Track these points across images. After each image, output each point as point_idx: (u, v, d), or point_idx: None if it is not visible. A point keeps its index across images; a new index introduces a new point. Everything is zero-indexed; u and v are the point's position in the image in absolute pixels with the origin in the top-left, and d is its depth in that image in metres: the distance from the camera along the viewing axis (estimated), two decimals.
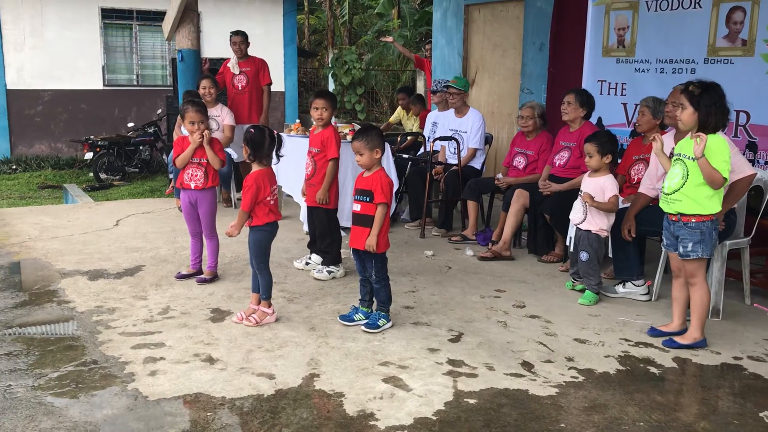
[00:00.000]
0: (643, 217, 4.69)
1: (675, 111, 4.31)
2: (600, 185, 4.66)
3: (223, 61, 9.32)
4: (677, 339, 3.96)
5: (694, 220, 3.83)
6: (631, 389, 3.41)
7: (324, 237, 5.16)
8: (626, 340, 4.06)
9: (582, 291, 4.77)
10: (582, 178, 4.90)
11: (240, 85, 7.77)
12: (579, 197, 4.77)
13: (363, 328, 4.06)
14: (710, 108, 3.72)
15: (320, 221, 5.17)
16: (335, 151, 5.03)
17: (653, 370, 3.66)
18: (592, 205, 4.64)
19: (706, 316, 3.98)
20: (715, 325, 4.27)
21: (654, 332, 4.11)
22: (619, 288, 4.84)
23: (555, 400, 3.27)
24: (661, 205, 3.99)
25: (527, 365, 3.66)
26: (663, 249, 4.38)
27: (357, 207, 4.11)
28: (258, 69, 7.82)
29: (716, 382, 3.55)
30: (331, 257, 5.13)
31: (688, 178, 3.79)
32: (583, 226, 4.71)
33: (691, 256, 3.86)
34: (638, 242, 4.82)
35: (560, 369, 3.62)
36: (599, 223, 4.67)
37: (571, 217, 4.81)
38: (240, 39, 7.76)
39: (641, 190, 4.79)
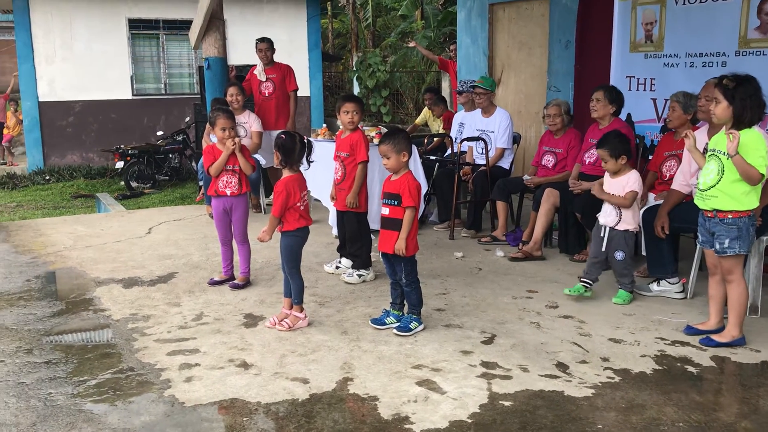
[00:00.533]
0: (676, 214, 4.62)
1: (709, 105, 4.24)
2: (623, 184, 4.60)
3: (249, 67, 9.38)
4: (715, 337, 3.89)
5: (730, 216, 3.76)
6: (668, 389, 3.36)
7: (354, 240, 5.17)
8: (662, 339, 4.00)
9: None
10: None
11: (267, 92, 7.81)
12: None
13: (395, 331, 4.06)
14: (745, 101, 3.66)
15: (350, 225, 5.18)
16: (365, 154, 5.05)
17: (691, 369, 3.60)
18: (603, 197, 4.62)
19: (744, 313, 3.91)
20: (754, 323, 4.19)
21: (691, 330, 4.05)
22: (654, 286, 4.77)
23: (591, 401, 3.24)
24: (696, 201, 3.92)
25: (562, 366, 3.62)
26: (698, 246, 4.31)
27: (385, 211, 4.11)
28: (284, 75, 7.87)
29: (756, 381, 3.49)
30: (361, 261, 5.14)
31: (723, 174, 3.73)
32: (620, 227, 4.61)
33: (728, 253, 3.79)
34: (672, 239, 4.75)
35: (596, 369, 3.58)
36: (633, 220, 4.61)
37: (602, 219, 4.71)
38: (266, 46, 7.81)
39: (674, 186, 4.72)
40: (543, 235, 5.73)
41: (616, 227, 4.61)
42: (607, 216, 4.67)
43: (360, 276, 5.08)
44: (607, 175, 4.76)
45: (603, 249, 4.67)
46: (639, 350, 3.83)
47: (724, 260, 3.84)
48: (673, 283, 4.72)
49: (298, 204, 4.18)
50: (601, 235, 4.68)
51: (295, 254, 4.22)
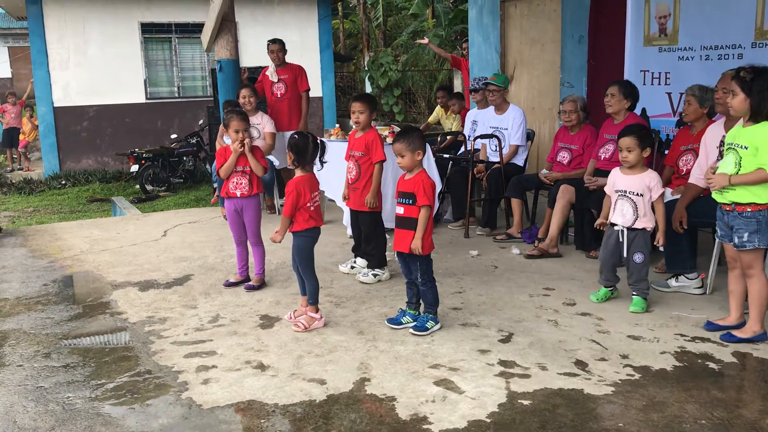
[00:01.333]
0: (694, 209, 4.57)
1: (725, 98, 4.19)
2: (646, 184, 4.35)
3: (261, 69, 9.38)
4: (736, 333, 3.84)
5: (749, 210, 3.71)
6: (689, 386, 3.32)
7: (369, 240, 5.16)
8: (682, 335, 3.95)
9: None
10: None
11: (279, 93, 7.81)
12: (621, 197, 4.41)
13: (411, 330, 4.04)
14: (763, 93, 3.61)
15: (365, 224, 5.17)
16: (381, 154, 5.04)
17: (712, 365, 3.56)
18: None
19: (766, 308, 3.85)
20: None
21: (711, 326, 4.00)
22: (672, 282, 4.72)
23: (611, 399, 3.20)
24: (714, 195, 3.87)
25: (581, 364, 3.59)
26: (716, 240, 4.25)
27: (400, 210, 4.09)
28: (296, 76, 7.86)
29: None
30: (376, 260, 5.13)
31: (741, 167, 3.67)
32: (638, 225, 4.37)
33: (748, 247, 3.74)
34: (690, 234, 4.69)
35: (615, 367, 3.54)
36: (651, 217, 4.39)
37: (617, 219, 4.44)
38: (277, 47, 7.80)
39: (691, 180, 4.67)
40: (559, 232, 5.69)
41: (634, 226, 4.39)
42: (623, 215, 4.40)
43: (375, 275, 5.06)
44: (618, 170, 4.50)
45: (625, 254, 4.39)
46: (659, 347, 3.79)
47: (744, 254, 3.79)
48: (691, 279, 4.67)
49: (309, 204, 4.17)
50: (620, 239, 4.41)
51: (306, 254, 4.21)
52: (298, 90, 7.87)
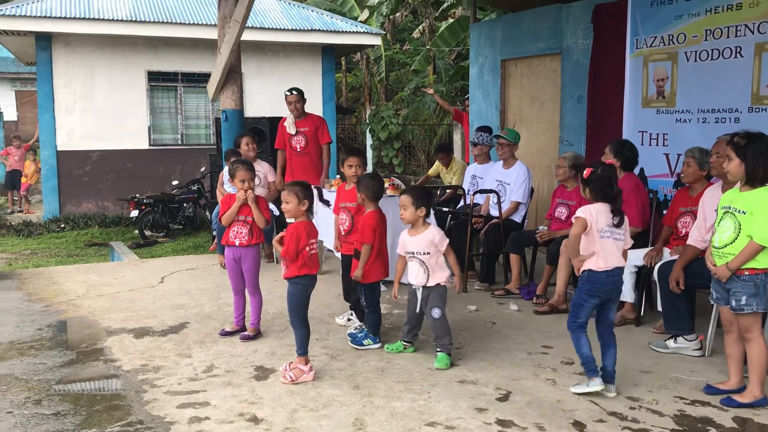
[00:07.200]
0: (692, 270, 4.58)
1: (720, 162, 4.24)
2: (430, 240, 4.38)
3: (262, 120, 9.49)
4: (736, 397, 3.80)
5: (747, 273, 3.71)
6: None
7: (350, 292, 5.14)
8: (681, 398, 3.91)
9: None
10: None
11: (299, 146, 7.39)
12: (411, 257, 4.44)
13: (349, 340, 4.75)
14: (757, 159, 3.66)
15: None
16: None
17: (712, 430, 3.51)
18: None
19: (766, 372, 3.82)
20: None
21: (711, 390, 3.96)
22: (671, 343, 4.70)
23: None
24: (714, 256, 3.88)
25: (579, 425, 3.54)
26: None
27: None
28: (317, 127, 7.41)
29: None
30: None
31: (740, 231, 3.70)
32: (430, 282, 4.40)
33: (746, 310, 3.74)
34: (688, 295, 4.68)
35: (614, 429, 3.50)
36: (443, 273, 4.43)
37: (411, 280, 4.46)
38: (295, 98, 7.32)
39: (690, 242, 4.69)
40: (566, 286, 5.67)
41: (428, 284, 4.41)
42: (416, 275, 4.44)
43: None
44: (405, 232, 4.53)
45: (417, 310, 4.48)
46: (658, 409, 3.74)
47: (742, 318, 3.78)
48: (690, 340, 4.64)
49: (307, 248, 4.19)
50: (418, 296, 4.46)
51: (297, 302, 4.21)
52: (318, 143, 7.43)
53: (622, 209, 3.96)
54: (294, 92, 7.30)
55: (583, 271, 3.95)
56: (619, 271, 3.98)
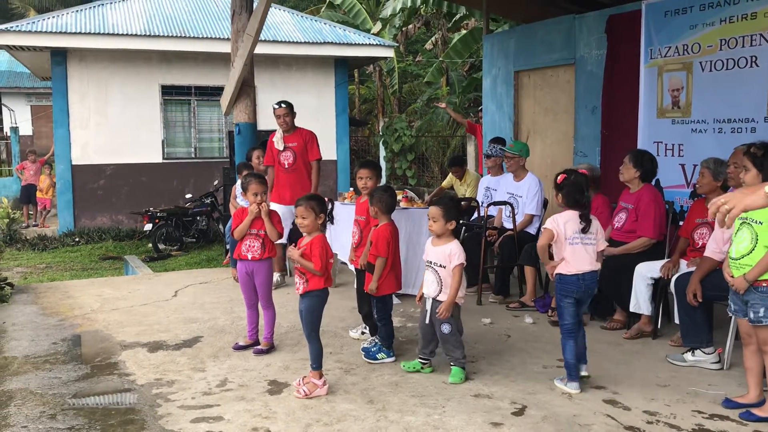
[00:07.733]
0: (709, 282, 4.52)
1: (738, 172, 4.20)
2: (447, 254, 4.32)
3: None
4: (755, 411, 3.74)
5: (765, 285, 3.67)
6: None
7: (362, 305, 5.10)
8: (699, 412, 3.85)
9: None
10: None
11: (287, 163, 6.87)
12: (427, 267, 4.40)
13: (363, 354, 4.73)
14: None
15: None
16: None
17: None
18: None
19: None
20: None
21: (729, 404, 3.90)
22: (688, 356, 4.63)
23: None
24: (731, 267, 3.83)
25: None
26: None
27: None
28: (305, 142, 6.88)
29: None
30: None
31: (757, 242, 3.65)
32: (441, 297, 4.33)
33: (764, 322, 3.68)
34: (706, 308, 4.62)
35: None
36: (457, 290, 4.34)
37: (425, 289, 4.41)
38: (284, 111, 6.79)
39: (707, 253, 4.63)
40: None
41: (438, 297, 4.33)
42: (429, 286, 4.39)
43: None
44: (429, 241, 4.48)
45: (426, 322, 4.40)
46: (676, 423, 3.69)
47: (760, 330, 3.72)
48: (708, 353, 4.58)
49: (331, 261, 4.22)
50: (426, 307, 4.40)
51: (316, 316, 4.21)
52: (307, 159, 6.89)
53: (591, 214, 4.24)
54: (282, 105, 6.84)
55: (556, 274, 4.24)
56: (592, 274, 4.24)
